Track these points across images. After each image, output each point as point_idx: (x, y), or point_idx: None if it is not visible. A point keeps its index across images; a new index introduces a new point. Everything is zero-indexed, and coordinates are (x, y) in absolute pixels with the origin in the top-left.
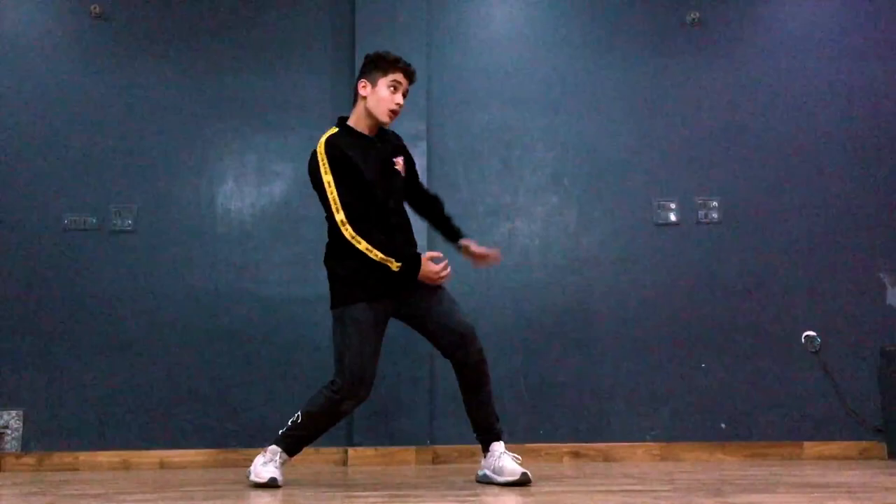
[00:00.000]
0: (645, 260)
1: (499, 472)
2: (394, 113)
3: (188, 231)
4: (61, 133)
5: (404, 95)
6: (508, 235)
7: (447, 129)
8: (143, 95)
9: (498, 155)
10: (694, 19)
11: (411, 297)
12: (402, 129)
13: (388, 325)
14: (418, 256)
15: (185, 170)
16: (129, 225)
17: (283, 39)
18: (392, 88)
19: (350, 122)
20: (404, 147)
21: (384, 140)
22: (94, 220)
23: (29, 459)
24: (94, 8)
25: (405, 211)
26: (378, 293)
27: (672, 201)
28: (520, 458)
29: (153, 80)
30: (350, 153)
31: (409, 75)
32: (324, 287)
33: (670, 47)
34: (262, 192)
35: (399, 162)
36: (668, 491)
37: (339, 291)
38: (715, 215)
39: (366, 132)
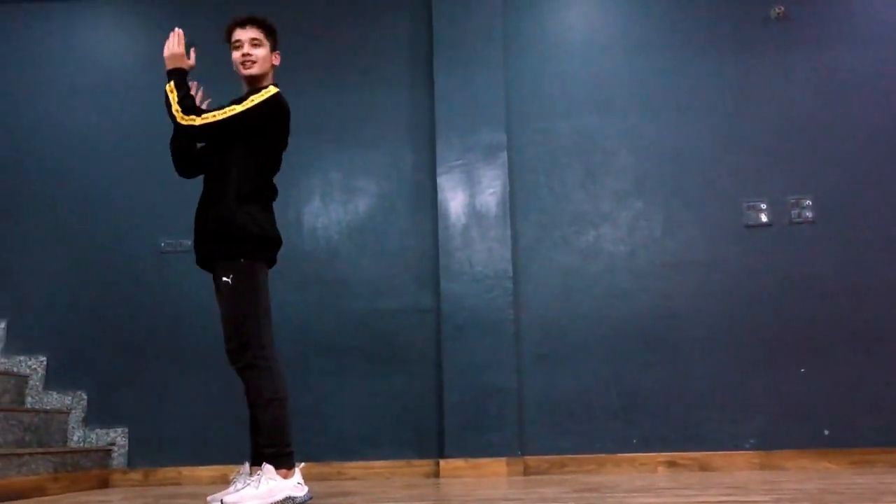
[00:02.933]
0: (735, 263)
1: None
2: (245, 65)
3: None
4: (156, 159)
5: (258, 43)
6: (593, 242)
7: (527, 139)
8: None
9: (580, 162)
10: (778, 14)
11: None
12: (481, 140)
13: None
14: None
15: None
16: None
17: (361, 56)
18: (235, 48)
19: None
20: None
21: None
22: (189, 242)
23: (135, 475)
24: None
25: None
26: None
27: (762, 201)
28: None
29: None
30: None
31: (241, 23)
32: (411, 299)
33: (754, 43)
34: (347, 209)
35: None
36: (769, 501)
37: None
38: (809, 214)
39: (246, 88)
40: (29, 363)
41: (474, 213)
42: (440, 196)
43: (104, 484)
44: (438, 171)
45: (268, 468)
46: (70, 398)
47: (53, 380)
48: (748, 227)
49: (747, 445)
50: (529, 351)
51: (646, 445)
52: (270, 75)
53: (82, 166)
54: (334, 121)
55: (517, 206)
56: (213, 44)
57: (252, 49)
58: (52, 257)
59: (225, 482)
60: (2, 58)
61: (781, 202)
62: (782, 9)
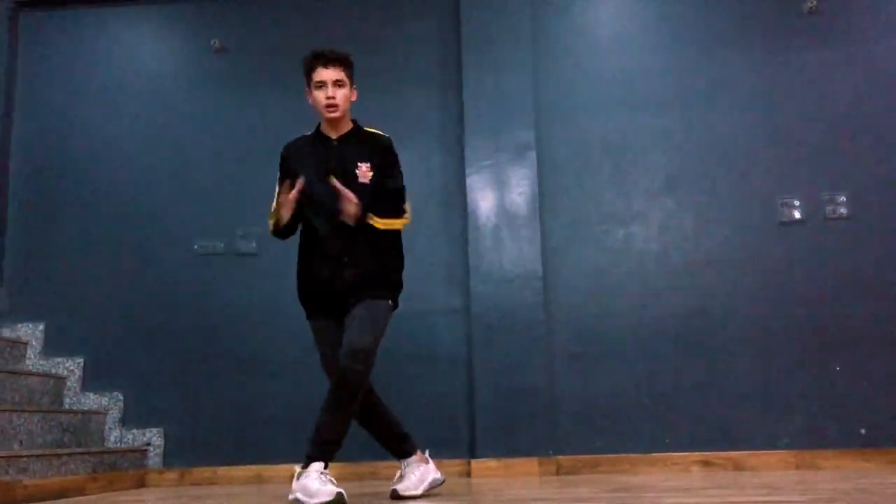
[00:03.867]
0: (769, 261)
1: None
2: (330, 108)
3: None
4: (189, 163)
5: (342, 84)
6: (624, 242)
7: (557, 138)
8: (261, 122)
9: (610, 160)
10: (811, 7)
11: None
12: (510, 139)
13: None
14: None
15: None
16: (254, 248)
17: (392, 58)
18: (317, 88)
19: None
20: (378, 152)
21: (351, 143)
22: (222, 245)
23: (171, 474)
24: (215, 43)
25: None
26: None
27: (796, 198)
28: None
29: (270, 107)
30: (292, 155)
31: (325, 62)
32: (441, 300)
33: (787, 38)
34: None
35: (362, 168)
36: (805, 501)
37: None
38: (844, 210)
39: (328, 133)
40: (67, 365)
41: (504, 213)
42: (469, 196)
43: (141, 484)
44: (468, 171)
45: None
46: (107, 399)
47: (90, 381)
48: (782, 223)
49: (782, 445)
50: (561, 351)
51: (679, 445)
52: (349, 110)
53: (118, 171)
54: (363, 122)
55: (547, 206)
56: (244, 48)
57: (336, 91)
58: (88, 261)
59: (260, 481)
60: (39, 65)
61: (816, 198)
62: (815, 2)
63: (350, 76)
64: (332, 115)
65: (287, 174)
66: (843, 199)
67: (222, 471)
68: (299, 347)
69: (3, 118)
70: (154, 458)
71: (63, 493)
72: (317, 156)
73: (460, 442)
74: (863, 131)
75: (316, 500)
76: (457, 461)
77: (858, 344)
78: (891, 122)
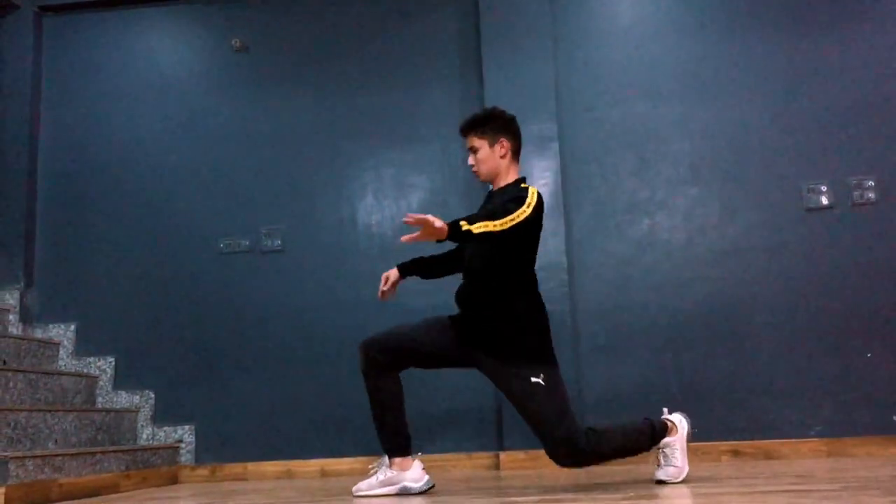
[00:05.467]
0: (796, 248)
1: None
2: (474, 174)
3: (332, 247)
4: (212, 162)
5: (476, 150)
6: (648, 231)
7: (579, 128)
8: (283, 120)
9: (633, 150)
10: None
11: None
12: (532, 131)
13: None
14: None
15: (326, 189)
16: (279, 245)
17: (410, 52)
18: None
19: None
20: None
21: (496, 198)
22: (247, 243)
23: (202, 471)
24: (235, 42)
25: (473, 259)
26: None
27: (823, 184)
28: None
29: (291, 105)
30: None
31: (461, 132)
32: None
33: (810, 21)
34: (400, 205)
35: None
36: (837, 490)
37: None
38: (872, 195)
39: (494, 185)
40: (98, 364)
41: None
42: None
43: (173, 480)
44: None
45: None
46: (138, 397)
47: (122, 380)
48: (809, 210)
49: (813, 433)
50: (587, 342)
51: (708, 435)
52: (507, 164)
53: (143, 171)
54: (385, 118)
55: (570, 197)
56: (264, 47)
57: (473, 157)
58: (116, 261)
59: (290, 477)
60: (63, 69)
61: (843, 184)
62: None
63: (489, 134)
64: (479, 179)
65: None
66: (870, 183)
67: (252, 466)
68: (326, 343)
69: (30, 122)
70: (186, 454)
71: (98, 491)
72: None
73: (488, 434)
74: (890, 115)
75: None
76: (485, 454)
77: (889, 330)
78: None
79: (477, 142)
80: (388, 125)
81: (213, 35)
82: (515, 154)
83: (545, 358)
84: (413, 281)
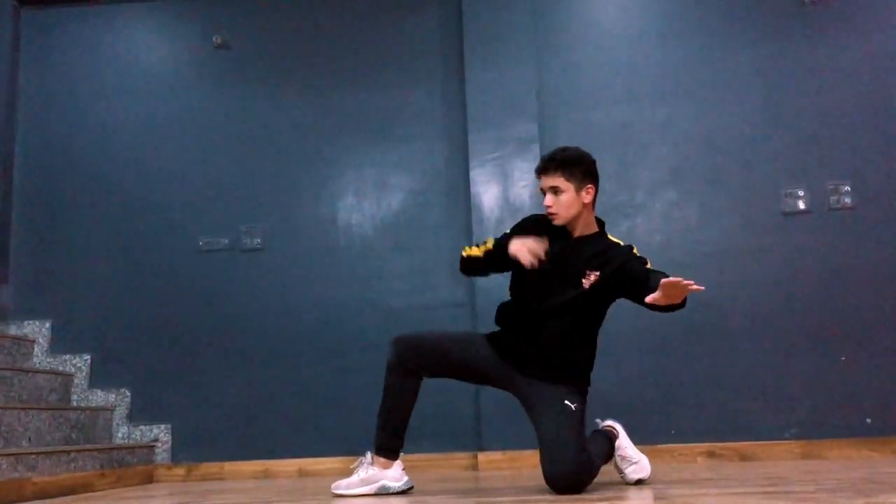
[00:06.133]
0: (774, 252)
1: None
2: (550, 215)
3: (313, 246)
4: (192, 159)
5: (559, 192)
6: (627, 234)
7: (560, 130)
8: (264, 119)
9: (613, 153)
10: None
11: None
12: (513, 133)
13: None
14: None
15: (307, 187)
16: (258, 243)
17: (393, 52)
18: (542, 193)
19: None
20: (613, 264)
21: (585, 249)
22: (226, 241)
23: (178, 470)
24: (216, 39)
25: (570, 330)
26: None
27: (801, 188)
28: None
29: (272, 103)
30: (524, 233)
31: (540, 170)
32: (446, 294)
33: (790, 29)
34: (381, 205)
35: (589, 277)
36: (811, 492)
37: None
38: (848, 200)
39: (572, 230)
40: (74, 362)
41: (508, 207)
42: (473, 190)
43: (149, 479)
44: (471, 164)
45: None
46: (114, 396)
47: (98, 378)
48: (786, 214)
49: (788, 435)
50: None
51: (685, 436)
52: (589, 211)
53: (122, 168)
54: (367, 117)
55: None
56: (245, 44)
57: (553, 198)
58: (94, 258)
59: (267, 476)
60: (42, 63)
61: (820, 189)
62: None
63: (576, 177)
64: (555, 222)
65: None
66: (847, 189)
67: (230, 466)
68: (305, 342)
69: (7, 116)
70: (162, 453)
71: (72, 490)
72: (555, 243)
73: (467, 435)
74: (867, 121)
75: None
76: (463, 454)
77: (863, 334)
78: (893, 111)
79: (563, 183)
80: (370, 125)
81: (194, 31)
82: (595, 201)
83: (586, 391)
84: (396, 282)
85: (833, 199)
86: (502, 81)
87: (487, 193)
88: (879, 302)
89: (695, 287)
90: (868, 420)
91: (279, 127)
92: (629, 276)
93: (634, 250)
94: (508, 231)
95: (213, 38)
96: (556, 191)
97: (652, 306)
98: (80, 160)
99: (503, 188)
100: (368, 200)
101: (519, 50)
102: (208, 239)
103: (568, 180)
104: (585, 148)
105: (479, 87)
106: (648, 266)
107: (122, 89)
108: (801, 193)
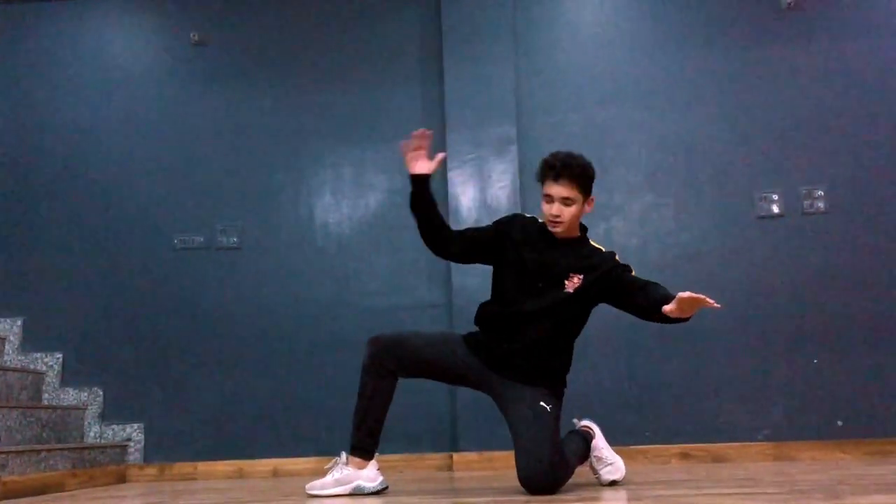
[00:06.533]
0: (748, 255)
1: None
2: (553, 223)
3: (290, 245)
4: (168, 157)
5: (568, 203)
6: (604, 236)
7: (539, 132)
8: (242, 117)
9: (591, 155)
10: (790, 3)
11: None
12: (491, 134)
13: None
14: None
15: (285, 186)
16: (235, 242)
17: (372, 52)
18: (546, 200)
19: None
20: (597, 270)
21: (568, 252)
22: (203, 239)
23: (151, 470)
24: (194, 36)
25: (551, 335)
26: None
27: (775, 192)
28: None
29: (250, 101)
30: (507, 231)
31: (554, 176)
32: (423, 294)
33: (766, 34)
34: (358, 204)
35: (573, 279)
36: (783, 493)
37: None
38: (821, 205)
39: (555, 234)
40: (45, 360)
41: (485, 207)
42: (451, 191)
43: (121, 479)
44: (449, 165)
45: None
46: (86, 394)
47: (70, 376)
48: (761, 217)
49: (761, 437)
50: None
51: (659, 437)
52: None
53: (97, 164)
54: (345, 117)
55: (528, 200)
56: (223, 41)
57: (562, 209)
58: (67, 256)
59: (241, 476)
60: (14, 58)
61: (794, 193)
62: None
63: (584, 190)
64: (554, 230)
65: (494, 236)
66: (820, 193)
67: (203, 466)
68: (280, 342)
69: None
70: (134, 453)
71: (43, 490)
72: (534, 249)
73: (442, 435)
74: (840, 127)
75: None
76: (439, 455)
77: (835, 337)
78: (867, 117)
79: (575, 195)
80: (348, 124)
81: (171, 28)
82: None
83: (562, 393)
84: (373, 282)
85: (807, 203)
86: (481, 82)
87: (465, 194)
88: (852, 306)
89: (711, 303)
90: (840, 422)
91: (257, 125)
92: (619, 284)
93: (617, 257)
94: (492, 224)
95: (192, 35)
96: (566, 201)
97: (662, 318)
98: (54, 156)
99: (481, 189)
100: (346, 200)
101: (498, 52)
102: (184, 237)
103: (580, 192)
104: (562, 148)
105: (457, 88)
106: (633, 273)
107: (96, 85)
108: (775, 197)
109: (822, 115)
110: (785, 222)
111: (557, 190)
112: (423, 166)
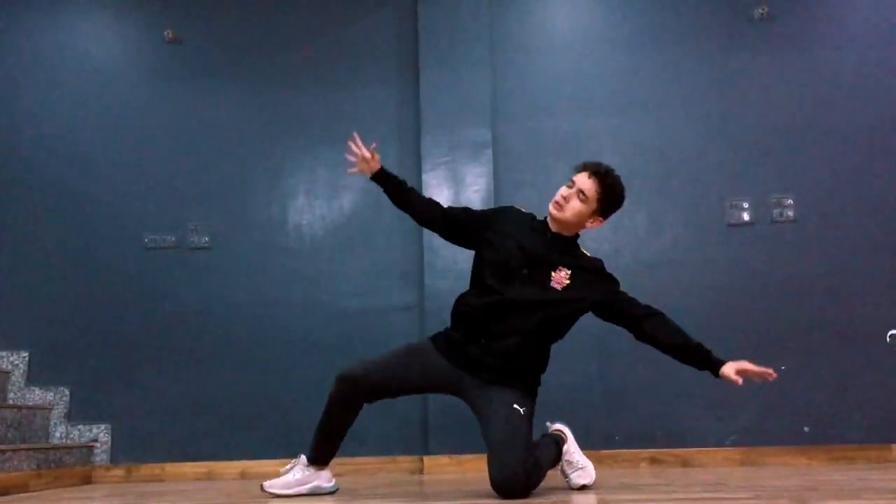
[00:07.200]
0: (718, 261)
1: None
2: (558, 204)
3: (262, 246)
4: (140, 155)
5: (582, 198)
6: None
7: (513, 136)
8: (216, 115)
9: (565, 160)
10: (762, 13)
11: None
12: (466, 137)
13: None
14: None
15: (258, 186)
16: (206, 242)
17: (348, 53)
18: (567, 185)
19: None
20: (587, 275)
21: (559, 246)
22: (173, 238)
23: (118, 471)
24: (168, 33)
25: (534, 332)
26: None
27: (745, 200)
28: None
29: (225, 100)
30: (496, 218)
31: (591, 172)
32: (395, 296)
33: (739, 43)
34: (332, 206)
35: (560, 272)
36: (749, 498)
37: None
38: (790, 213)
39: (551, 226)
40: (11, 359)
41: None
42: (425, 193)
43: (87, 480)
44: (424, 168)
45: None
46: (52, 394)
47: (35, 376)
48: (731, 225)
49: (728, 442)
50: None
51: (629, 443)
52: (578, 228)
53: (65, 162)
54: (320, 118)
55: (502, 204)
56: (198, 39)
57: (574, 198)
58: (33, 253)
59: (210, 478)
60: None
61: (764, 201)
62: (766, 9)
63: (601, 204)
64: (554, 210)
65: (480, 221)
66: (790, 202)
67: (171, 467)
68: (250, 343)
69: None
70: (101, 454)
71: (6, 491)
72: (521, 236)
73: (413, 438)
74: (810, 136)
75: None
76: (410, 457)
77: (803, 344)
78: (837, 127)
79: (593, 198)
80: (322, 124)
81: (145, 26)
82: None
83: (535, 392)
84: (346, 283)
85: (776, 211)
86: (457, 85)
87: (439, 197)
88: (819, 313)
89: (770, 374)
90: (806, 428)
91: (230, 124)
92: (617, 305)
93: (604, 267)
94: (487, 210)
95: (165, 33)
96: (582, 195)
97: (691, 361)
98: (21, 153)
99: (455, 192)
100: (319, 201)
101: (474, 55)
102: (154, 236)
103: (598, 200)
104: (537, 154)
105: (433, 90)
106: (620, 287)
107: (67, 82)
108: (745, 205)
109: (793, 125)
110: (754, 230)
111: (582, 181)
112: (370, 167)
